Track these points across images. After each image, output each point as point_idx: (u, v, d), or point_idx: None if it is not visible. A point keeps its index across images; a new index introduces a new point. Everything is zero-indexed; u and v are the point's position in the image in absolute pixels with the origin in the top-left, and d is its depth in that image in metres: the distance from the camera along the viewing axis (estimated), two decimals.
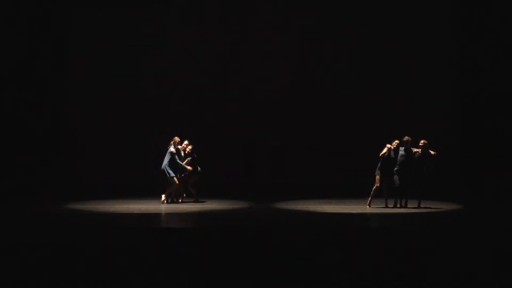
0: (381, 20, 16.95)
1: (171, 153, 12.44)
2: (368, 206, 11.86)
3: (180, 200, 12.82)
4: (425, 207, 11.86)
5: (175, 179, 12.38)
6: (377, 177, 11.88)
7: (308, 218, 10.75)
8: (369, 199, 11.93)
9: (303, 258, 8.40)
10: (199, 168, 12.89)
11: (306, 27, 17.10)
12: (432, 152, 11.78)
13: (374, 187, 11.95)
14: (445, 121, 16.80)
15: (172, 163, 12.41)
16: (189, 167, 12.53)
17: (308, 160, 16.41)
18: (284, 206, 12.41)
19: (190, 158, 12.83)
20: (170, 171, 12.35)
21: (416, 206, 11.84)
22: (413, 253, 8.52)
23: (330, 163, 16.73)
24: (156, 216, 10.93)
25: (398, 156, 11.86)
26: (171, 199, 12.65)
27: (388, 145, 11.93)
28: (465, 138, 16.66)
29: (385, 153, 11.87)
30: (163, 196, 12.53)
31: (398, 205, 11.95)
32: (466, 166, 16.56)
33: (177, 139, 12.67)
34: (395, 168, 11.81)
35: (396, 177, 11.78)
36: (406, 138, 11.83)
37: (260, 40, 16.97)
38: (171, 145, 12.59)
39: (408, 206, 11.91)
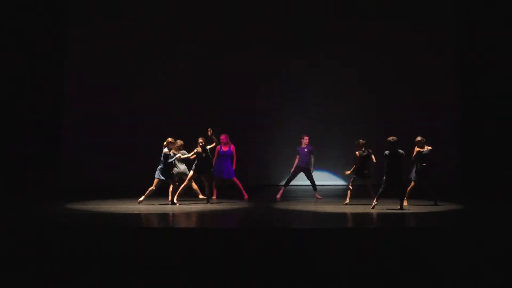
0: (381, 23, 17.00)
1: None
2: (406, 204, 11.95)
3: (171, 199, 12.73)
4: (426, 206, 11.89)
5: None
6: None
7: (308, 218, 10.75)
8: (405, 199, 11.99)
9: (303, 258, 8.41)
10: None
11: (305, 30, 17.15)
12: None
13: (410, 187, 12.17)
14: (445, 121, 16.82)
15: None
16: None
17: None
18: (284, 206, 12.40)
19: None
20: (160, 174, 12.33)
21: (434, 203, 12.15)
22: (413, 253, 8.53)
23: (329, 163, 16.82)
24: (156, 216, 10.92)
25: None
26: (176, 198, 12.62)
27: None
28: (465, 138, 16.69)
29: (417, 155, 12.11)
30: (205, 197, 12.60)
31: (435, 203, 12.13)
32: (465, 166, 16.60)
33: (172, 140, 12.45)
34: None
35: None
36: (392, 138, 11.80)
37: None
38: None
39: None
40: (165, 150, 12.23)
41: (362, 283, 8.08)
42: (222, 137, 13.35)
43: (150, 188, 12.11)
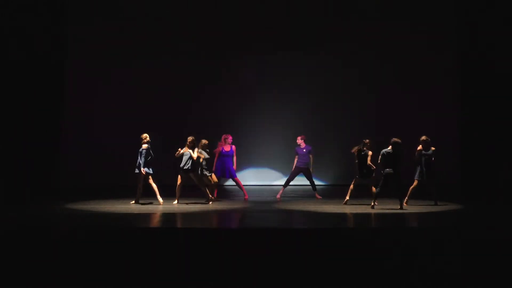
0: (381, 23, 17.00)
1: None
2: (405, 204, 11.89)
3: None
4: (425, 206, 11.90)
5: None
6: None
7: (308, 218, 10.75)
8: (406, 198, 11.99)
9: (303, 258, 8.41)
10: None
11: (306, 29, 17.16)
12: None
13: (412, 187, 12.12)
14: (445, 121, 16.83)
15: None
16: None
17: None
18: (284, 206, 12.41)
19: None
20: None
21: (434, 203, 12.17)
22: (413, 253, 8.53)
23: (330, 163, 16.82)
24: (155, 216, 10.92)
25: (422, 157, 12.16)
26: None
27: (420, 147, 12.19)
28: (464, 138, 16.70)
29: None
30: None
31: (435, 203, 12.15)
32: (465, 166, 16.61)
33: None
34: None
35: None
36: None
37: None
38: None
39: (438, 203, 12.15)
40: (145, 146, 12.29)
41: (362, 283, 8.09)
42: (228, 137, 13.34)
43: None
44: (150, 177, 12.23)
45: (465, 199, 13.35)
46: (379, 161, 11.76)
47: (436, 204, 12.07)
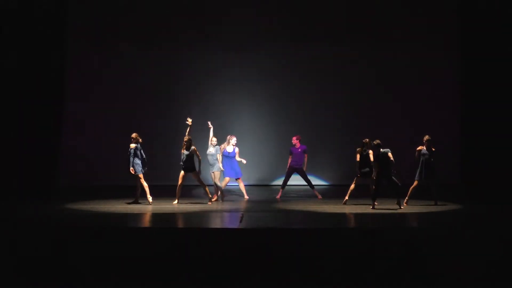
0: (381, 22, 16.98)
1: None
2: (405, 204, 11.95)
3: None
4: (425, 206, 11.90)
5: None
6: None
7: (308, 218, 10.75)
8: (407, 198, 12.04)
9: (303, 258, 8.42)
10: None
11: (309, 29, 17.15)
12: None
13: (412, 187, 12.12)
14: (445, 121, 16.82)
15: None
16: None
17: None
18: (284, 206, 12.40)
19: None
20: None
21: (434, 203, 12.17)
22: (413, 253, 8.53)
23: (329, 163, 16.80)
24: (155, 216, 10.93)
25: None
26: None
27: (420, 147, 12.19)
28: (465, 138, 16.68)
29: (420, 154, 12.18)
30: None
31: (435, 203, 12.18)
32: (465, 166, 16.60)
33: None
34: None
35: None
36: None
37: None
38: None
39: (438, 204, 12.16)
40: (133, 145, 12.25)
41: (362, 283, 8.09)
42: (232, 138, 13.39)
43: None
44: (141, 176, 12.21)
45: (465, 199, 13.35)
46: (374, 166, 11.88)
47: (436, 204, 12.07)
